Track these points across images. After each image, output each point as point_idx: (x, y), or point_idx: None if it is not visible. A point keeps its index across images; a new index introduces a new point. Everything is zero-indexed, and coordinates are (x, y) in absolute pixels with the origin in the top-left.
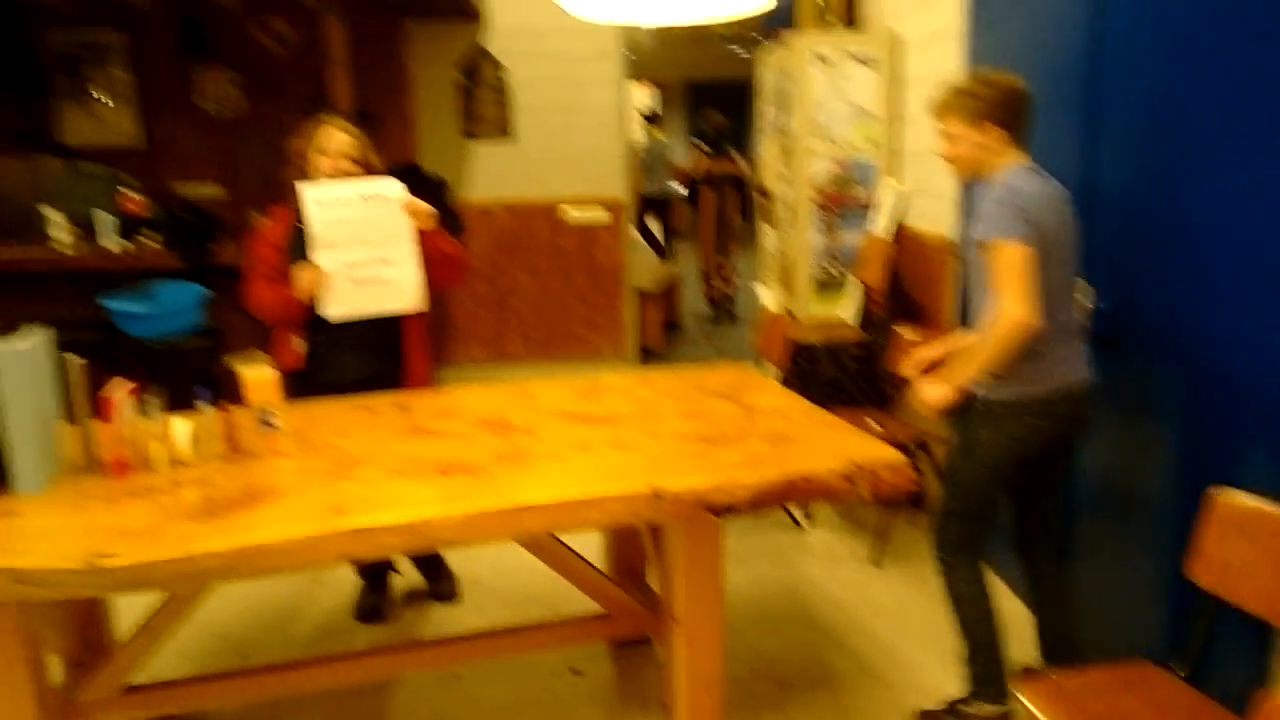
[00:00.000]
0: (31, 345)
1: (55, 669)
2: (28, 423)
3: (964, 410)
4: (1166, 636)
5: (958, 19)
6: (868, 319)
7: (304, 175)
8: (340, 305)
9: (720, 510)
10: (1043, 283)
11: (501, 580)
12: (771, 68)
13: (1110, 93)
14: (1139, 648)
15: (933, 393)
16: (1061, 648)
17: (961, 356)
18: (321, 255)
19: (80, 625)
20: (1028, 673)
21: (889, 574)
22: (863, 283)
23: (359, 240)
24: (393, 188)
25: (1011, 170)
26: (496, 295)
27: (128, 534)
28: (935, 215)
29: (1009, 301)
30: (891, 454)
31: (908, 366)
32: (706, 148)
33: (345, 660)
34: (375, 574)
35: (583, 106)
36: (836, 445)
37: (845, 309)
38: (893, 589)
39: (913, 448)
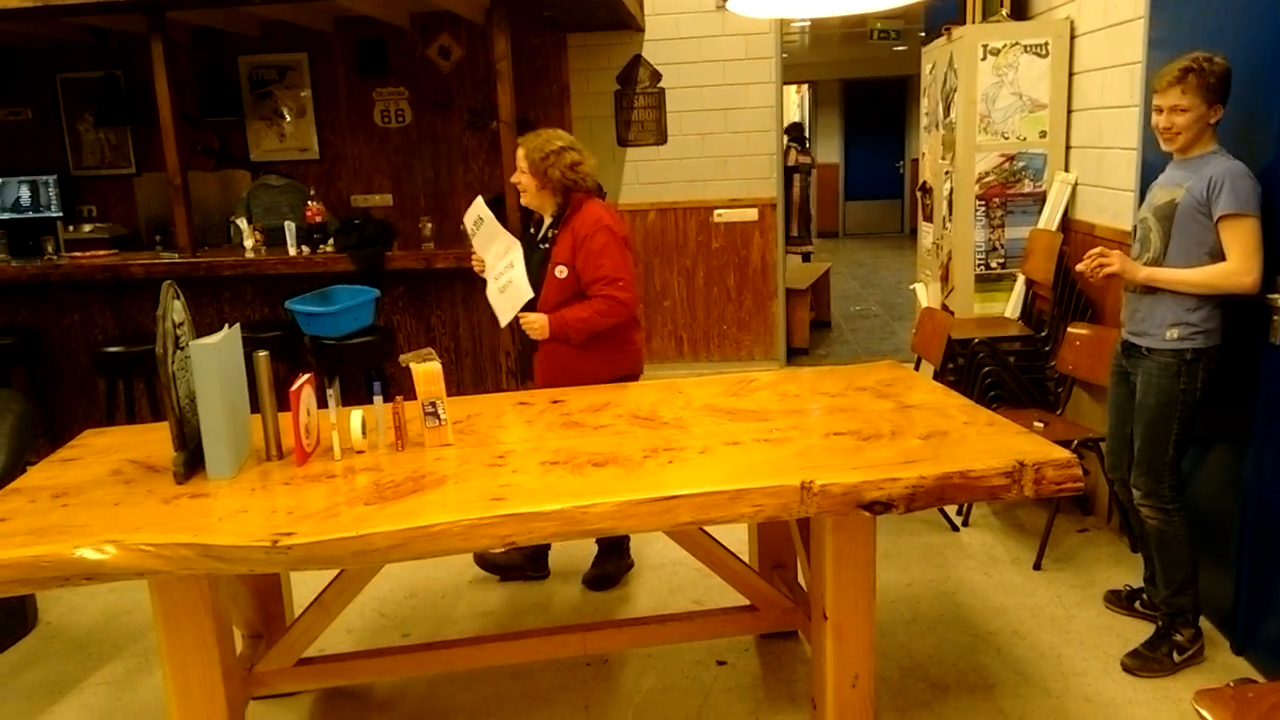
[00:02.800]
0: (222, 341)
1: (237, 641)
2: (219, 413)
3: (1135, 370)
4: None
5: (1139, 4)
6: (1033, 315)
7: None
8: (503, 314)
9: (873, 507)
10: None
11: (649, 572)
12: (935, 61)
13: None
14: None
15: (1127, 262)
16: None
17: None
18: (488, 278)
19: (260, 601)
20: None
21: (1051, 578)
22: (1028, 278)
23: (494, 255)
24: (477, 203)
25: (1222, 150)
26: (648, 296)
27: (306, 515)
28: (1111, 208)
29: (1248, 264)
30: (1057, 451)
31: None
32: (798, 145)
33: (498, 642)
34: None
35: (738, 109)
36: (997, 443)
37: (1008, 305)
38: (1055, 593)
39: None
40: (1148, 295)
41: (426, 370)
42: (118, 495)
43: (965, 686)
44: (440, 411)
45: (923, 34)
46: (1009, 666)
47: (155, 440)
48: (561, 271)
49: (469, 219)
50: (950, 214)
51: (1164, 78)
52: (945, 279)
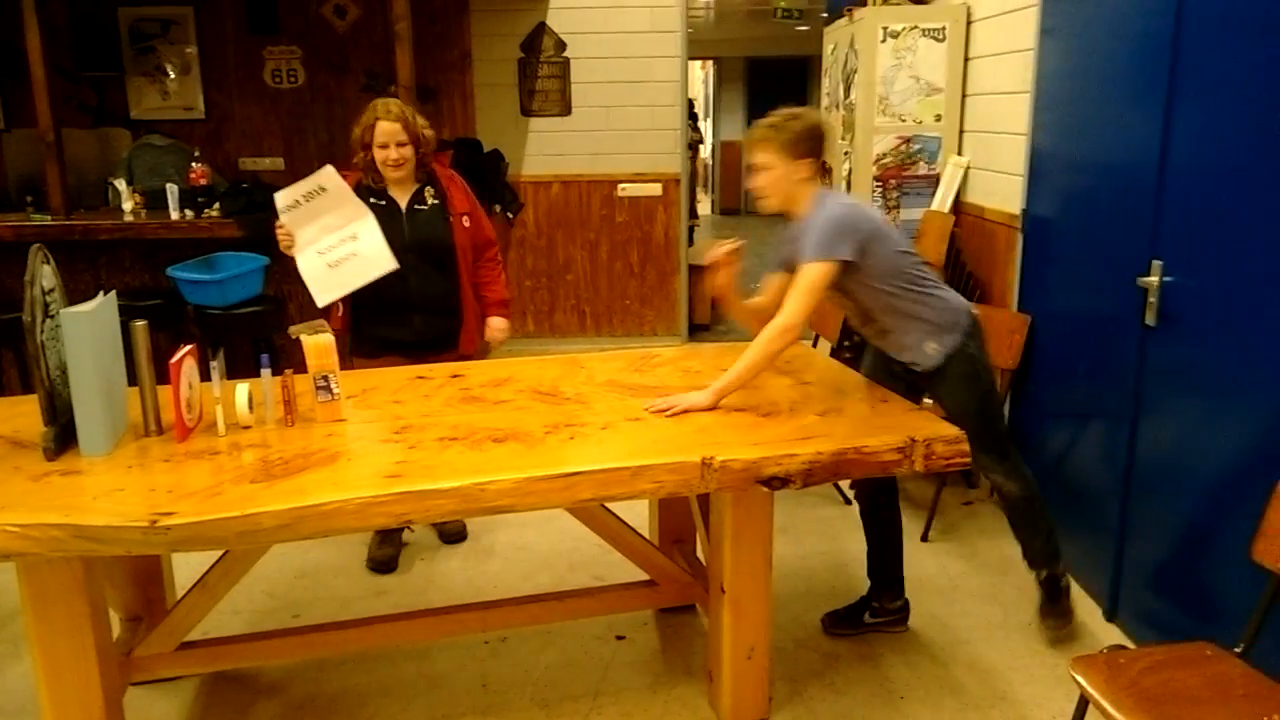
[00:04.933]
0: (96, 310)
1: (114, 625)
2: (94, 386)
3: (931, 386)
4: (1226, 616)
5: None
6: None
7: (372, 167)
8: (327, 292)
9: (771, 482)
10: (893, 259)
11: (548, 547)
12: (837, 42)
13: (1190, 73)
14: (1199, 627)
15: (687, 400)
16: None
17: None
18: (301, 256)
19: (139, 583)
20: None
21: (938, 549)
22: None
23: (323, 228)
24: (328, 173)
25: (824, 196)
26: (550, 269)
27: (188, 494)
28: (1000, 191)
29: (797, 315)
30: (946, 428)
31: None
32: (691, 121)
33: (393, 622)
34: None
35: (642, 82)
36: (890, 419)
37: None
38: (941, 564)
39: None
40: (880, 335)
41: (318, 342)
42: None
43: (855, 656)
44: (333, 385)
45: (825, 14)
46: (897, 636)
47: (23, 414)
48: (467, 221)
49: (301, 189)
50: (849, 194)
51: (749, 136)
52: None
